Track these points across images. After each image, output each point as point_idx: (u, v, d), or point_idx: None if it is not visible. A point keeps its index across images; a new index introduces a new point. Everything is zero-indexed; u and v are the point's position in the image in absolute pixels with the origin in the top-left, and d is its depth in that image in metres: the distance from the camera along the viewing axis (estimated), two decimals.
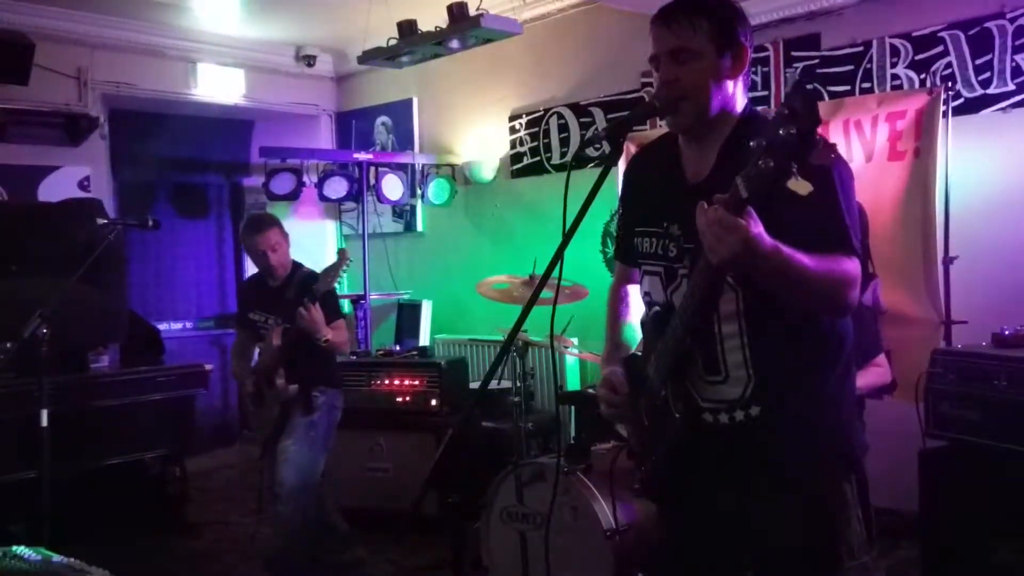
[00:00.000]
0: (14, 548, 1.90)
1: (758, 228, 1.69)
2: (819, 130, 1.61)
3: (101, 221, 4.18)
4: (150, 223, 3.90)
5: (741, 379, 1.97)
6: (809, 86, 1.59)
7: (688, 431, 1.99)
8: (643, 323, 2.22)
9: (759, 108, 2.14)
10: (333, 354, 4.18)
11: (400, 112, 7.22)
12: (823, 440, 2.00)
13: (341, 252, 3.94)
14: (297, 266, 4.17)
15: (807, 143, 1.58)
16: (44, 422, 3.64)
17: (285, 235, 4.15)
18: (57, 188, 6.16)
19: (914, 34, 4.48)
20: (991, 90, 4.24)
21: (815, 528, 1.98)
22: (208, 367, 5.33)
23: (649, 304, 2.16)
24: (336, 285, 3.96)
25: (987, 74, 4.25)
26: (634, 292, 2.38)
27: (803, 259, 1.78)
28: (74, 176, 6.32)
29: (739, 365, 1.97)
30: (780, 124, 1.59)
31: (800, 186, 1.62)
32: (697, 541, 2.14)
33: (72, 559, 1.95)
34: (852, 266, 1.86)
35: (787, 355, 1.96)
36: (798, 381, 1.97)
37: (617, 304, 2.41)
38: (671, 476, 2.09)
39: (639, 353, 2.20)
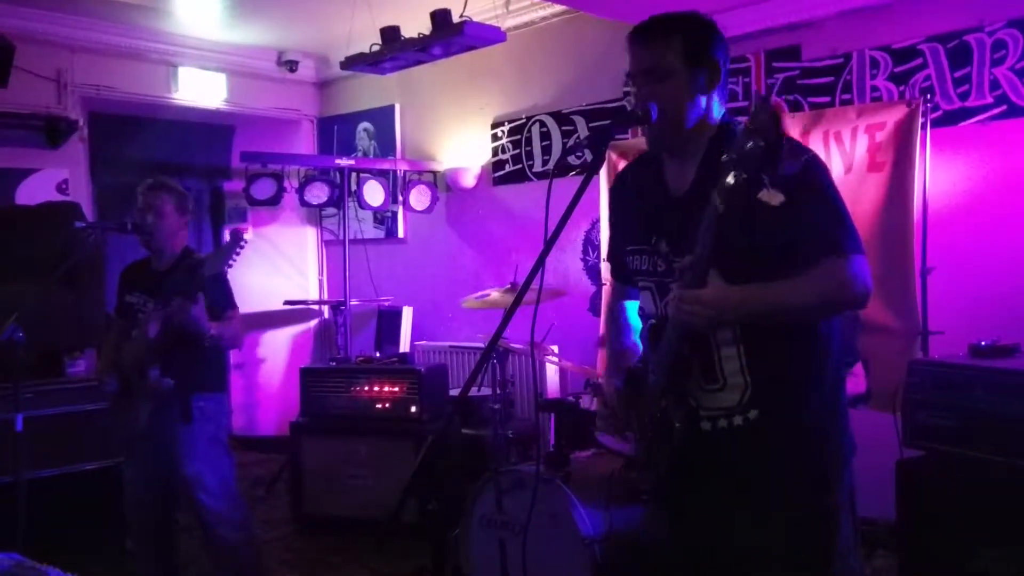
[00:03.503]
0: None
1: (720, 291, 1.80)
2: (791, 136, 1.68)
3: (79, 225, 4.12)
4: (129, 227, 3.82)
5: (738, 386, 2.00)
6: (773, 99, 1.72)
7: (689, 442, 2.02)
8: (641, 336, 2.27)
9: (738, 119, 2.17)
10: (219, 352, 3.81)
11: (382, 118, 7.21)
12: (819, 444, 2.04)
13: (235, 232, 3.49)
14: (188, 252, 3.79)
15: (774, 154, 1.65)
16: (19, 426, 3.61)
17: (181, 211, 3.78)
18: (35, 191, 6.10)
19: (894, 46, 4.52)
20: (969, 103, 4.28)
21: (810, 531, 2.01)
22: None
23: (645, 318, 2.20)
24: (227, 269, 3.43)
25: (966, 87, 4.29)
26: (630, 308, 2.42)
27: (779, 291, 1.88)
28: (52, 179, 6.26)
29: (736, 372, 2.00)
30: (747, 138, 1.66)
31: (772, 196, 1.68)
32: (696, 546, 2.15)
33: (46, 565, 1.93)
34: (847, 268, 1.92)
35: (782, 359, 1.99)
36: (794, 384, 2.01)
37: (614, 322, 2.44)
38: (675, 485, 2.12)
39: (641, 365, 2.22)
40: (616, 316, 2.43)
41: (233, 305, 3.77)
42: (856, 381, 3.42)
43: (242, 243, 3.41)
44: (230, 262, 3.40)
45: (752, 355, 1.98)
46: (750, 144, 1.65)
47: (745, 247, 1.82)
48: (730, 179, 1.68)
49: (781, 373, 1.99)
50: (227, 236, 3.54)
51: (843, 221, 1.94)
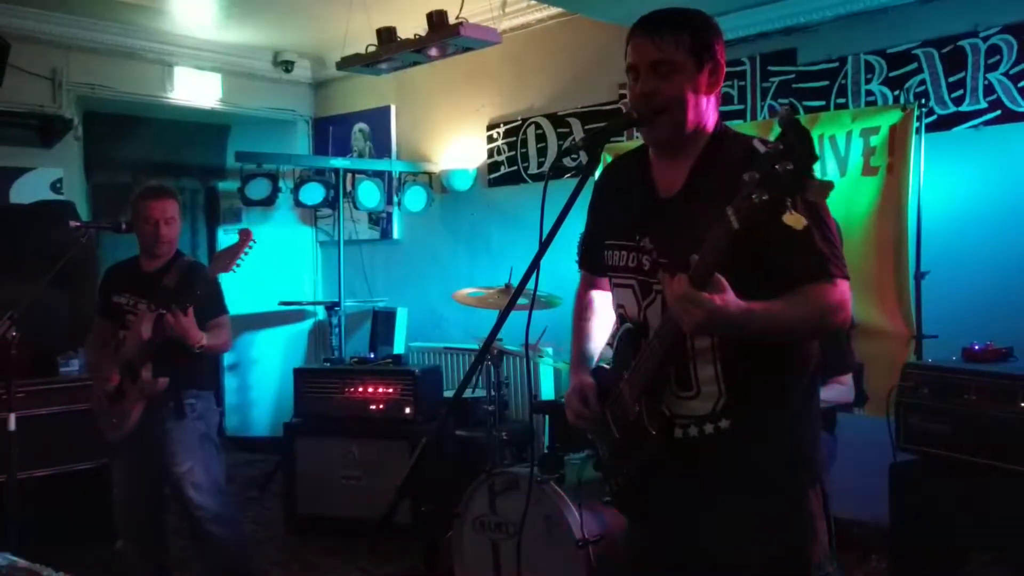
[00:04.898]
0: None
1: (724, 298, 1.71)
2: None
3: (73, 224, 4.11)
4: (123, 226, 3.81)
5: (712, 394, 1.97)
6: (802, 121, 1.57)
7: (664, 449, 1.99)
8: (614, 338, 2.22)
9: (730, 124, 2.16)
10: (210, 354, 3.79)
11: (378, 119, 7.21)
12: (790, 452, 2.02)
13: (243, 233, 3.49)
14: (180, 254, 3.77)
15: (804, 180, 1.57)
16: (12, 426, 3.60)
17: (181, 215, 3.81)
18: (29, 190, 6.09)
19: (888, 51, 4.53)
20: (964, 108, 4.30)
21: (785, 539, 1.99)
22: None
23: (622, 318, 2.15)
24: (234, 269, 3.45)
25: (960, 92, 4.30)
26: (600, 298, 2.39)
27: (777, 311, 1.82)
28: (47, 178, 6.24)
29: (711, 380, 1.97)
30: (775, 159, 1.57)
31: (795, 220, 1.60)
32: (666, 554, 2.13)
33: (39, 564, 1.93)
34: (834, 295, 1.87)
35: (758, 369, 1.97)
36: (767, 395, 1.98)
37: (583, 311, 2.41)
38: (642, 490, 2.09)
39: (607, 367, 2.19)
40: (584, 307, 2.40)
41: (224, 310, 3.76)
42: (844, 390, 3.42)
43: (250, 244, 3.44)
44: (238, 262, 3.42)
45: (728, 364, 1.95)
46: (778, 166, 1.56)
47: (752, 267, 1.78)
48: (752, 199, 1.60)
49: (756, 383, 1.97)
50: (235, 236, 3.53)
51: (834, 244, 1.91)
